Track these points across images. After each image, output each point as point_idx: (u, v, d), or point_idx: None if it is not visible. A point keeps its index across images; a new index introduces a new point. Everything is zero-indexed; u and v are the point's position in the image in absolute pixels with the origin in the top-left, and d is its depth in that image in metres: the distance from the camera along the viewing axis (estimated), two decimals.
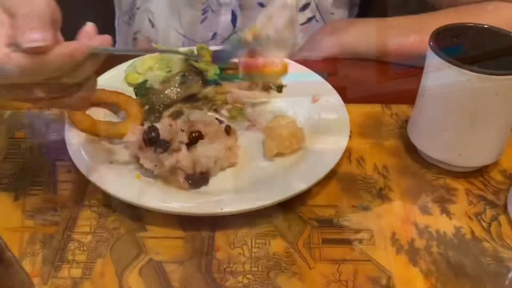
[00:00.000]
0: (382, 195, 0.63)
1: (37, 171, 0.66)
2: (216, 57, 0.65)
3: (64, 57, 0.48)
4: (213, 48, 0.77)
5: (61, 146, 0.69)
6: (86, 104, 0.57)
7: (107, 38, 0.52)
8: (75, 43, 0.50)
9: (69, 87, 0.52)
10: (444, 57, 0.59)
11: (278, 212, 0.61)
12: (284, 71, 0.63)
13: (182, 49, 0.81)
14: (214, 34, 0.99)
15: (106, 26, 1.14)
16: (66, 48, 0.48)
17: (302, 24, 0.97)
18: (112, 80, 0.78)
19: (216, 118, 0.67)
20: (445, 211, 0.62)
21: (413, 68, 0.85)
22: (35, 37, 0.46)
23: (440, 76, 0.61)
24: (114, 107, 0.73)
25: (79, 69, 0.50)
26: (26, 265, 0.54)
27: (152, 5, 0.99)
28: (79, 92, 0.53)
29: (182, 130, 0.63)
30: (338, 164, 0.66)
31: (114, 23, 1.11)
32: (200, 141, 0.63)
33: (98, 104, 0.72)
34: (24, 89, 0.50)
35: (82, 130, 0.67)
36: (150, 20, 1.02)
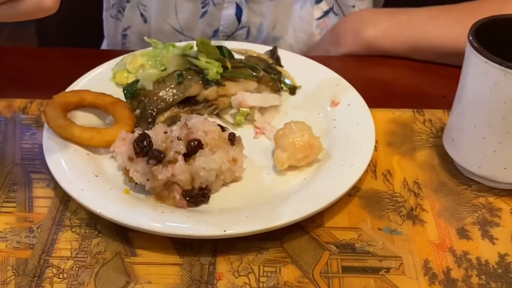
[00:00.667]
0: (413, 216, 0.63)
1: (10, 185, 0.66)
2: None
3: None
4: (214, 42, 0.78)
5: (38, 156, 0.70)
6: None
7: None
8: None
9: None
10: (486, 54, 0.59)
11: (290, 234, 0.61)
12: None
13: (179, 44, 0.82)
14: (216, 31, 1.00)
15: (94, 21, 1.16)
16: None
17: (318, 18, 0.98)
18: (98, 79, 0.78)
19: (218, 125, 0.67)
20: (487, 235, 0.61)
21: (450, 67, 0.86)
22: None
23: (482, 77, 0.61)
24: (99, 111, 0.73)
25: None
26: None
27: None
28: None
29: (179, 139, 0.63)
30: (361, 179, 0.66)
31: (102, 17, 1.12)
32: (200, 151, 0.63)
33: (81, 107, 0.73)
34: None
35: (63, 137, 0.67)
36: (142, 15, 1.03)
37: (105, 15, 1.11)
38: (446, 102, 0.73)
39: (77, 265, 0.57)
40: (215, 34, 1.00)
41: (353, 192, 0.66)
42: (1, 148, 0.71)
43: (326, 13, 0.98)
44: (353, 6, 0.97)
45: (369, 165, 0.66)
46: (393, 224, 0.62)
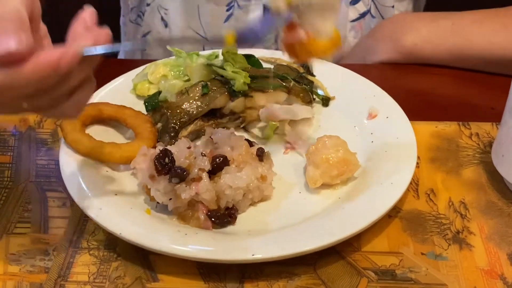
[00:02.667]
0: (459, 240, 0.62)
1: (24, 204, 0.67)
2: (242, 37, 0.61)
3: (45, 70, 0.47)
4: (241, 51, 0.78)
5: (54, 173, 0.70)
6: (80, 110, 0.56)
7: (106, 34, 0.52)
8: (61, 50, 0.48)
9: (59, 96, 0.52)
10: None
11: (324, 259, 0.60)
12: (336, 43, 0.61)
13: (203, 53, 0.82)
14: None
15: (110, 25, 1.17)
16: (49, 57, 0.47)
17: (354, 20, 0.98)
18: (117, 91, 0.79)
19: (246, 139, 0.68)
20: None
21: (498, 75, 0.85)
22: (7, 43, 0.45)
23: None
24: (119, 125, 0.74)
25: (69, 77, 0.50)
26: None
27: (166, 0, 1.01)
28: (72, 98, 0.52)
29: (203, 155, 0.64)
30: (402, 199, 0.66)
31: (119, 22, 1.13)
32: (226, 168, 0.64)
33: (100, 120, 0.74)
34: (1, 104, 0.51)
35: (80, 153, 0.68)
36: (163, 19, 1.04)
37: (123, 20, 1.12)
38: (494, 114, 0.73)
39: None
40: None
41: (393, 213, 0.65)
42: (15, 165, 0.72)
43: (362, 15, 0.98)
44: (392, 7, 0.97)
45: (410, 183, 0.66)
46: (437, 248, 0.62)
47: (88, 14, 0.52)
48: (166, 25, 1.04)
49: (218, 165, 0.64)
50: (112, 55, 1.14)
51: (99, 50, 0.50)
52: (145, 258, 0.61)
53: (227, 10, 0.99)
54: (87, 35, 0.50)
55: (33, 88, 0.48)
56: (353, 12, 0.97)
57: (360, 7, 0.97)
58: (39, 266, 0.60)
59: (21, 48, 0.46)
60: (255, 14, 0.98)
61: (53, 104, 0.52)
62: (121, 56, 1.18)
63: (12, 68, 0.46)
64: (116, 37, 1.16)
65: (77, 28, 0.51)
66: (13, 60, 0.46)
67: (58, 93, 0.51)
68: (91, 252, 0.62)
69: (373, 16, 0.98)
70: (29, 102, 0.51)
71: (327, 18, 0.60)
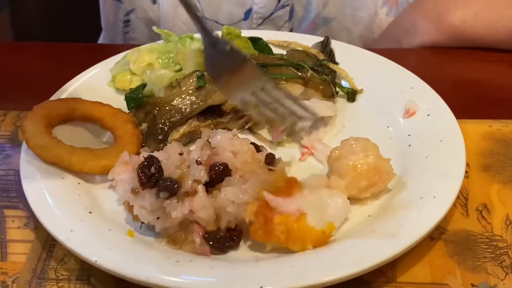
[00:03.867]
0: None
1: None
2: None
3: None
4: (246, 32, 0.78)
5: (13, 187, 0.71)
6: None
7: None
8: None
9: None
10: None
11: None
12: (325, 240, 0.62)
13: (198, 36, 0.82)
14: (248, 12, 1.01)
15: (86, 6, 1.18)
16: None
17: None
18: (93, 83, 0.80)
19: (252, 143, 0.68)
20: None
21: None
22: None
23: None
24: (94, 126, 0.75)
25: None
26: None
27: None
28: None
29: (199, 163, 0.64)
30: (448, 217, 0.66)
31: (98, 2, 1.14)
32: (227, 179, 0.64)
33: (70, 120, 0.74)
34: None
35: (47, 161, 0.68)
36: None
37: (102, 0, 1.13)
38: None
39: None
40: (247, 16, 1.01)
41: (437, 234, 0.65)
42: None
43: None
44: None
45: (457, 197, 0.66)
46: (492, 278, 0.62)
47: None
48: (154, 1, 1.04)
49: (217, 176, 0.64)
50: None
51: None
52: None
53: None
54: None
55: None
56: None
57: None
58: None
59: None
60: None
61: None
62: (101, 40, 1.18)
63: None
64: (95, 22, 1.17)
65: None
66: None
67: None
68: (59, 284, 0.62)
69: None
70: None
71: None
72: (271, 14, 1.00)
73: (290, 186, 0.64)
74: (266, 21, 1.00)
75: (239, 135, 0.70)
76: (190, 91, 0.75)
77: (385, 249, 0.60)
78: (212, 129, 0.74)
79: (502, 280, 0.61)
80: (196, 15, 0.66)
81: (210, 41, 0.68)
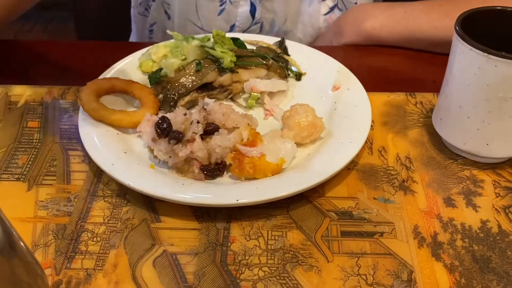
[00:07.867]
0: (404, 187, 0.63)
1: (50, 161, 0.68)
2: None
3: None
4: (229, 34, 0.78)
5: (74, 136, 0.71)
6: None
7: None
8: None
9: None
10: (471, 42, 0.59)
11: (295, 203, 0.61)
12: (278, 169, 0.62)
13: (198, 36, 0.82)
14: (232, 26, 1.00)
15: (122, 15, 1.16)
16: None
17: (325, 14, 0.97)
18: (126, 68, 0.79)
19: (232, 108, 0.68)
20: (471, 203, 0.62)
21: (440, 55, 0.85)
22: None
23: (467, 62, 0.60)
24: (128, 96, 0.74)
25: None
26: (39, 256, 0.56)
27: None
28: None
29: (197, 121, 0.64)
30: (359, 155, 0.67)
31: (130, 12, 1.12)
32: (216, 132, 0.64)
33: (112, 92, 0.73)
34: None
35: (96, 119, 0.68)
36: (166, 12, 1.03)
37: (133, 12, 1.11)
38: (435, 86, 0.73)
39: (109, 230, 0.59)
40: (232, 29, 1.00)
41: (352, 166, 0.66)
42: (42, 129, 0.72)
43: (331, 9, 0.98)
44: (356, 3, 0.96)
45: (366, 142, 0.66)
46: (386, 194, 0.63)
47: None
48: (169, 17, 1.03)
49: (209, 130, 0.64)
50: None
51: None
52: (150, 204, 0.62)
53: (220, 6, 0.98)
54: None
55: None
56: (324, 7, 0.97)
57: (329, 3, 0.97)
58: (63, 211, 0.61)
59: None
60: (244, 9, 0.97)
61: None
62: (131, 40, 1.17)
63: None
64: (128, 26, 1.15)
65: None
66: None
67: None
68: (105, 199, 0.62)
69: (340, 9, 0.98)
70: None
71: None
72: (248, 28, 0.99)
73: (255, 139, 0.64)
74: (244, 33, 1.00)
75: (224, 102, 0.70)
76: (191, 73, 0.74)
77: (318, 176, 0.61)
78: (206, 98, 0.74)
79: (393, 195, 0.63)
80: None
81: None
